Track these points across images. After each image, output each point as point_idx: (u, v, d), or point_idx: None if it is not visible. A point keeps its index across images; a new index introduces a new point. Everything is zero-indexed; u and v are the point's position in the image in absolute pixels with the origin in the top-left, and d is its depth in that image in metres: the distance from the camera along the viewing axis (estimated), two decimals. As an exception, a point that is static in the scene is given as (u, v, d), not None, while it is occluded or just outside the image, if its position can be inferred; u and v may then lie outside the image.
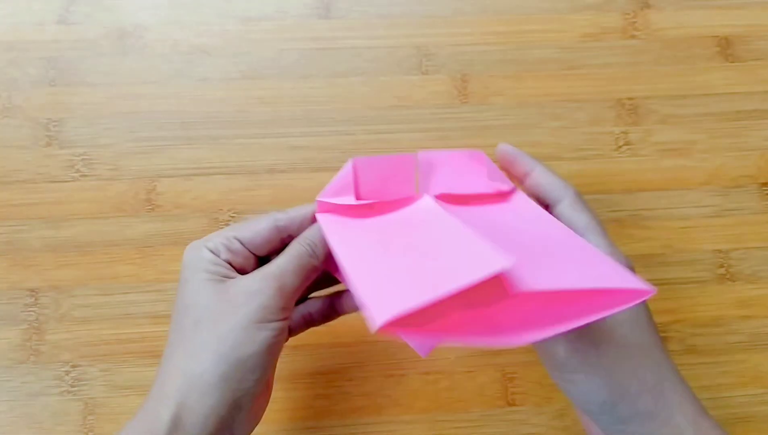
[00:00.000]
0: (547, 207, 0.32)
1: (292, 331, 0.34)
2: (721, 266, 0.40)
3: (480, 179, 0.32)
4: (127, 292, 0.39)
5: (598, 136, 0.42)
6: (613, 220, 0.41)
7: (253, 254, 0.32)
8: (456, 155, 0.31)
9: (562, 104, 0.43)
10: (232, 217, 0.40)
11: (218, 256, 0.30)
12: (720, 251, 0.41)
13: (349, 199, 0.30)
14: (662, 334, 0.39)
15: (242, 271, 0.31)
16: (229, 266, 0.30)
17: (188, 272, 0.30)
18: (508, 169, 0.34)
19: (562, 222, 0.30)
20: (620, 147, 0.42)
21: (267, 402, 0.31)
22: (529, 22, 0.44)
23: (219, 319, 0.28)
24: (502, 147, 0.34)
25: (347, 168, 0.31)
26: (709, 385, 0.38)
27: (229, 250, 0.31)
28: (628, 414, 0.28)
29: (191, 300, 0.29)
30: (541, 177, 0.32)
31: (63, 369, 0.38)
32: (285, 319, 0.29)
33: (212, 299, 0.29)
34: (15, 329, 0.38)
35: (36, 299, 0.39)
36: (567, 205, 0.31)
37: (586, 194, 0.41)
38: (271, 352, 0.28)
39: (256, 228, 0.31)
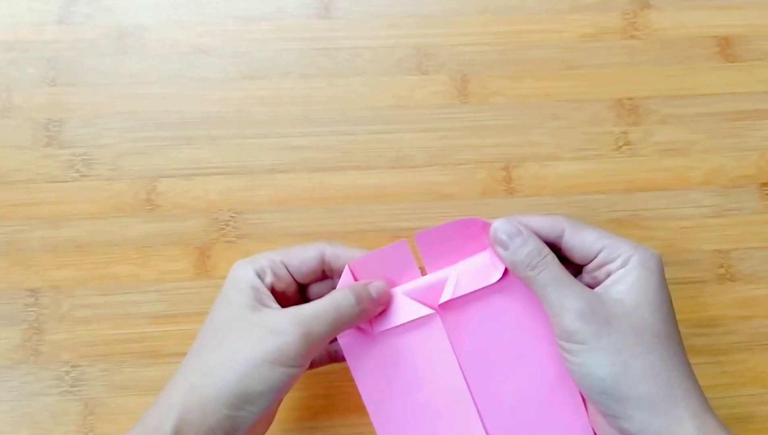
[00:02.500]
0: (552, 245, 0.32)
1: (314, 365, 0.34)
2: (721, 266, 0.40)
3: (480, 245, 0.33)
4: (127, 292, 0.39)
5: (598, 136, 0.42)
6: (613, 220, 0.41)
7: (296, 281, 0.32)
8: (451, 227, 0.32)
9: (562, 104, 0.43)
10: (232, 217, 0.40)
11: (263, 280, 0.31)
12: (720, 251, 0.41)
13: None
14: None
15: (284, 296, 0.32)
16: (269, 293, 0.31)
17: (230, 291, 0.31)
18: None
19: (573, 250, 0.31)
20: (620, 147, 0.42)
21: (268, 427, 0.32)
22: (529, 22, 0.44)
23: (238, 348, 0.29)
24: (494, 228, 0.32)
25: (344, 274, 0.32)
26: (709, 385, 0.38)
27: (275, 274, 0.31)
28: (627, 396, 0.28)
29: (224, 322, 0.30)
30: (533, 223, 0.31)
31: (63, 369, 0.38)
32: (302, 365, 0.29)
33: (241, 326, 0.29)
34: (15, 329, 0.38)
35: (36, 299, 0.39)
36: (569, 232, 0.31)
37: (585, 194, 0.41)
38: (276, 393, 0.29)
39: (304, 256, 0.32)
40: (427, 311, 0.32)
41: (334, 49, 0.43)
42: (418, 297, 0.33)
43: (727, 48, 0.44)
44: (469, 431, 0.32)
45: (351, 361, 0.33)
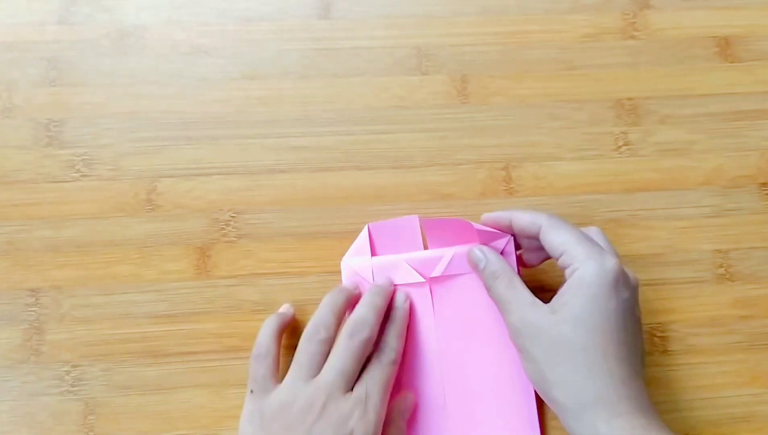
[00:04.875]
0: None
1: None
2: (721, 266, 0.40)
3: (473, 240, 0.38)
4: (127, 292, 0.39)
5: (597, 136, 0.42)
6: (613, 220, 0.41)
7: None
8: (450, 221, 0.37)
9: (562, 104, 0.43)
10: (233, 217, 0.40)
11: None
12: (719, 251, 0.41)
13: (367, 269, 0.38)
14: (661, 334, 0.39)
15: None
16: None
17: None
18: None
19: (546, 247, 0.34)
20: (620, 147, 0.42)
21: None
22: (529, 22, 0.44)
23: None
24: (483, 217, 0.38)
25: (363, 232, 0.39)
26: (708, 385, 0.38)
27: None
28: (548, 399, 0.32)
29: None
30: (518, 219, 0.35)
31: (63, 369, 0.38)
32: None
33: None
34: (15, 329, 0.38)
35: (36, 299, 0.39)
36: (544, 231, 0.34)
37: (585, 194, 0.41)
38: None
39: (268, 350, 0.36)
40: (420, 279, 0.38)
41: (334, 49, 0.43)
42: (416, 266, 0.38)
43: (726, 48, 0.44)
44: (430, 381, 0.37)
45: None
